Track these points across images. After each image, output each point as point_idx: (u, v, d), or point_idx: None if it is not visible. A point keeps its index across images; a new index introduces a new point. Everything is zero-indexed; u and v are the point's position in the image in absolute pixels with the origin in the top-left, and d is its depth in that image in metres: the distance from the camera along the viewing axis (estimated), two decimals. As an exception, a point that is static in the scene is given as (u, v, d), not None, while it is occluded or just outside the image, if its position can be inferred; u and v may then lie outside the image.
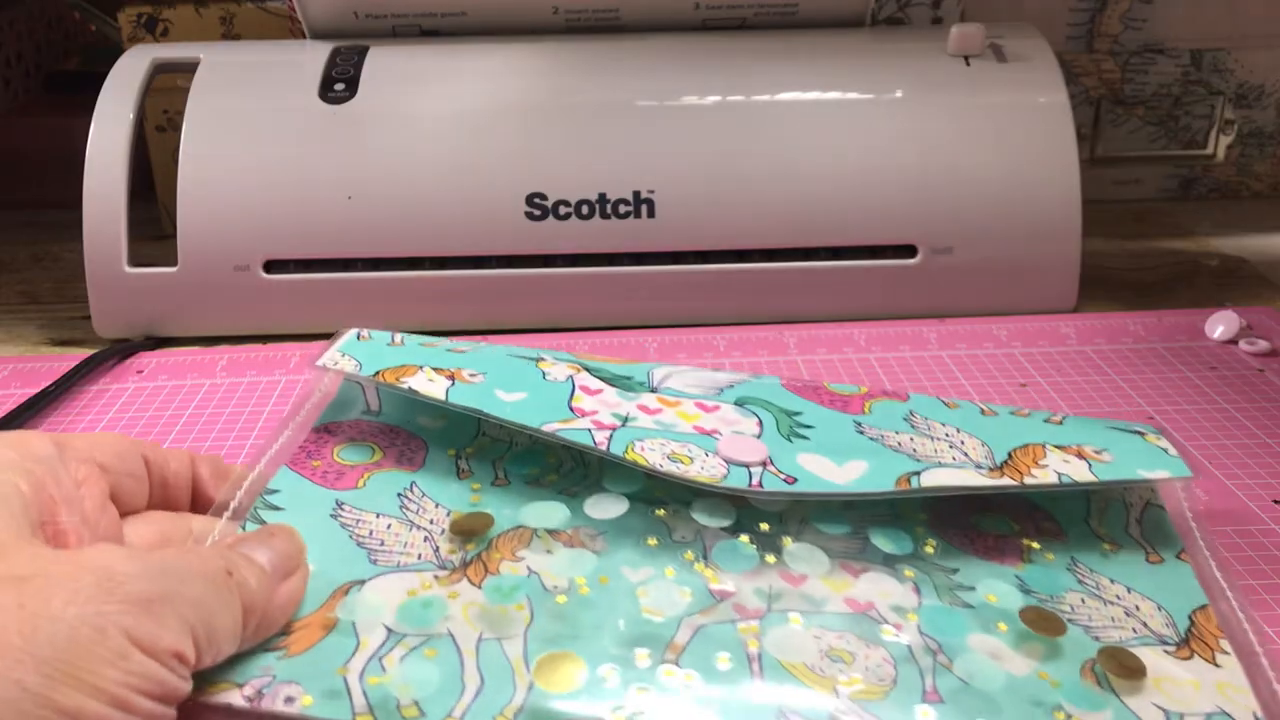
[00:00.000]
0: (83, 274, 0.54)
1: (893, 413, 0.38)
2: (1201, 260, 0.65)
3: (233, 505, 0.33)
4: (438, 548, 0.33)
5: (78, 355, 0.53)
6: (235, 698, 0.28)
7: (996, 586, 0.33)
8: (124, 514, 0.32)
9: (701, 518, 0.34)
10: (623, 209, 0.54)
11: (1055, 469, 0.35)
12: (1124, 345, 0.53)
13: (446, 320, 0.54)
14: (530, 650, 0.29)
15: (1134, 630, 0.32)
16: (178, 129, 0.55)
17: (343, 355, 0.38)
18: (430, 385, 0.37)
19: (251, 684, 0.28)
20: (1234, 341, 0.53)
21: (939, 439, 0.37)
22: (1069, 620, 0.31)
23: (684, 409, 0.37)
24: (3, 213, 0.73)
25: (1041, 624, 0.31)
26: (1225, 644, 0.31)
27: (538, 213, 0.54)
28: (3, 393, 0.50)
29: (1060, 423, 0.38)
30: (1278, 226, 0.70)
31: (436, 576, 0.32)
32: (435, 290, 0.54)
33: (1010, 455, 0.36)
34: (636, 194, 0.54)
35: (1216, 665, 0.31)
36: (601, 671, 0.29)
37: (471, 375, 0.38)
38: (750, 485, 0.33)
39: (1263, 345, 0.52)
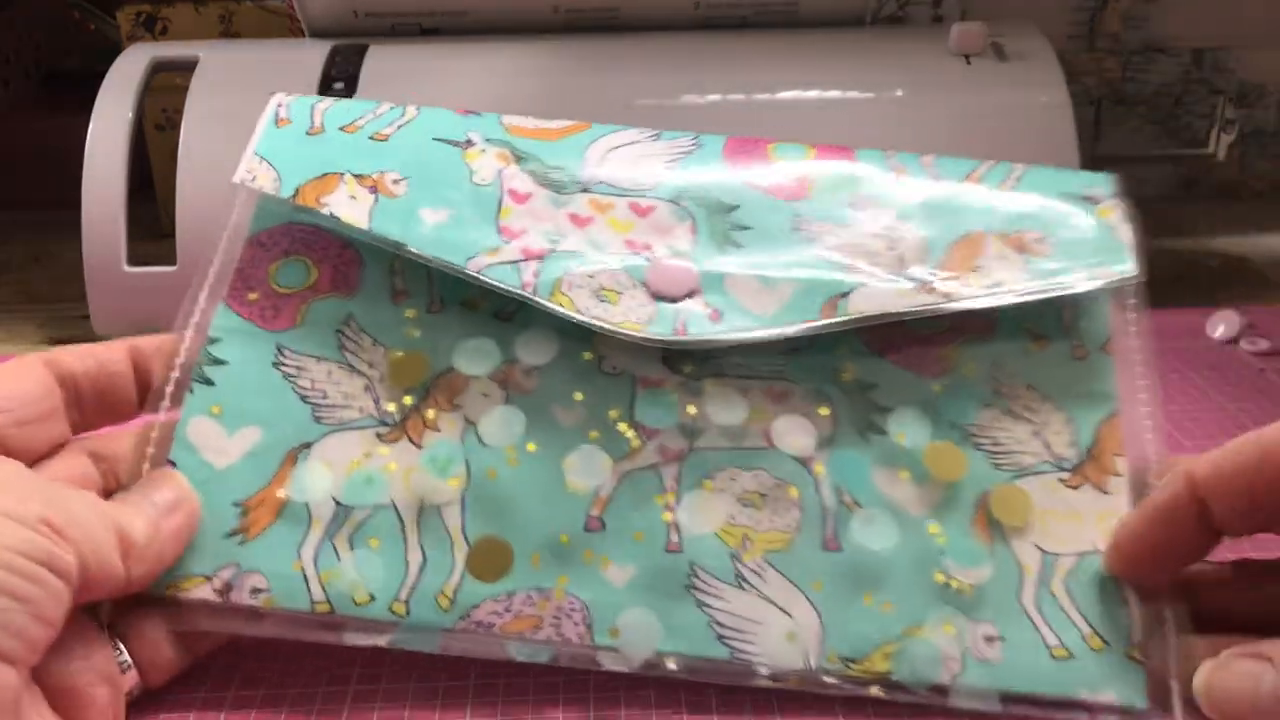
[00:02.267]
0: (81, 273, 0.53)
1: (837, 197, 0.37)
2: (1202, 260, 0.65)
3: (173, 378, 0.34)
4: (378, 399, 0.34)
5: (76, 354, 0.52)
6: (207, 592, 0.31)
7: (907, 417, 0.34)
8: (48, 449, 0.33)
9: (629, 360, 0.34)
10: (622, 208, 0.54)
11: (989, 272, 0.34)
12: (1125, 345, 0.53)
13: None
14: (467, 522, 0.32)
15: (1034, 454, 0.34)
16: (177, 128, 0.54)
17: (260, 161, 0.37)
18: (352, 206, 0.35)
19: (219, 575, 0.31)
20: (1235, 341, 0.53)
21: (878, 235, 0.35)
22: (975, 445, 0.34)
23: (617, 214, 0.36)
24: (1, 211, 0.73)
25: (943, 464, 0.33)
26: (1121, 464, 0.33)
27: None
28: (1, 392, 0.50)
29: (1015, 185, 0.37)
30: (1279, 226, 0.70)
31: (379, 434, 0.33)
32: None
33: (948, 251, 0.35)
34: (636, 193, 0.54)
35: (1105, 493, 0.33)
36: (529, 558, 0.32)
37: (395, 182, 0.36)
38: (674, 332, 0.33)
39: (1264, 345, 0.52)
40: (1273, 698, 0.27)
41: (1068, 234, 0.36)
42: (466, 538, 0.32)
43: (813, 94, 0.56)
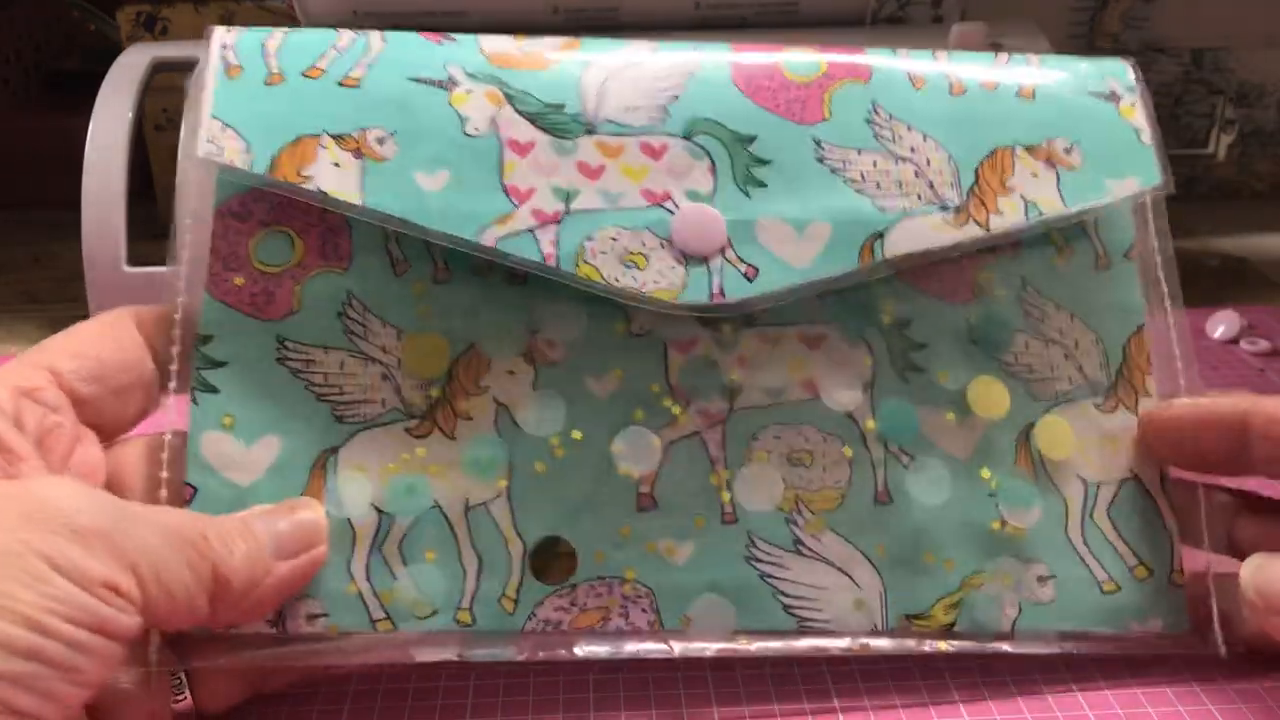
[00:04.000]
0: (81, 273, 0.53)
1: (856, 109, 0.35)
2: (1202, 260, 0.65)
3: (174, 369, 0.31)
4: (399, 387, 0.32)
5: (76, 354, 0.52)
6: (260, 625, 0.29)
7: (946, 353, 0.33)
8: (131, 419, 0.31)
9: (658, 321, 0.33)
10: (622, 208, 0.54)
11: (1022, 194, 0.34)
12: (1125, 345, 0.53)
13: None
14: (518, 518, 0.31)
15: (1069, 380, 0.34)
16: (177, 128, 0.54)
17: (221, 128, 0.32)
18: (339, 176, 0.32)
19: None
20: (1235, 341, 0.53)
21: (904, 159, 0.34)
22: (1012, 374, 0.34)
23: (628, 158, 0.33)
24: (2, 212, 0.73)
25: (985, 400, 0.33)
26: (1151, 383, 0.34)
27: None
28: (1, 392, 0.49)
29: (1032, 95, 0.36)
30: (1279, 226, 0.70)
31: (408, 428, 0.31)
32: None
33: (977, 175, 0.34)
34: (636, 193, 0.54)
35: (1138, 415, 0.34)
36: (593, 555, 0.31)
37: (379, 141, 0.32)
38: (711, 297, 0.32)
39: (1264, 345, 0.52)
40: None
41: (1094, 140, 0.35)
42: (520, 534, 0.31)
43: (813, 94, 0.56)
